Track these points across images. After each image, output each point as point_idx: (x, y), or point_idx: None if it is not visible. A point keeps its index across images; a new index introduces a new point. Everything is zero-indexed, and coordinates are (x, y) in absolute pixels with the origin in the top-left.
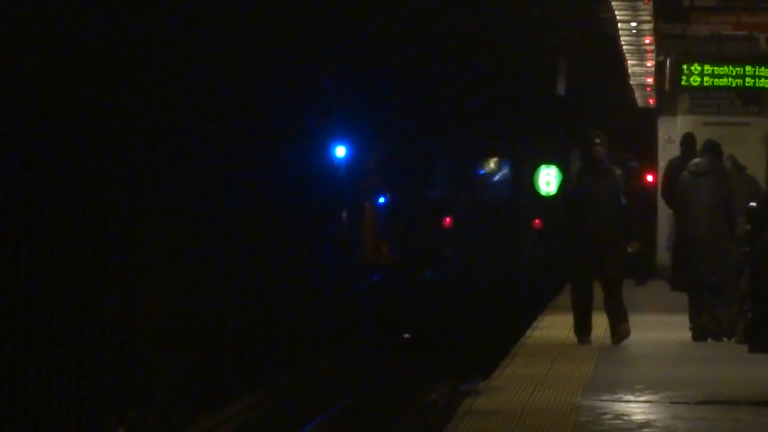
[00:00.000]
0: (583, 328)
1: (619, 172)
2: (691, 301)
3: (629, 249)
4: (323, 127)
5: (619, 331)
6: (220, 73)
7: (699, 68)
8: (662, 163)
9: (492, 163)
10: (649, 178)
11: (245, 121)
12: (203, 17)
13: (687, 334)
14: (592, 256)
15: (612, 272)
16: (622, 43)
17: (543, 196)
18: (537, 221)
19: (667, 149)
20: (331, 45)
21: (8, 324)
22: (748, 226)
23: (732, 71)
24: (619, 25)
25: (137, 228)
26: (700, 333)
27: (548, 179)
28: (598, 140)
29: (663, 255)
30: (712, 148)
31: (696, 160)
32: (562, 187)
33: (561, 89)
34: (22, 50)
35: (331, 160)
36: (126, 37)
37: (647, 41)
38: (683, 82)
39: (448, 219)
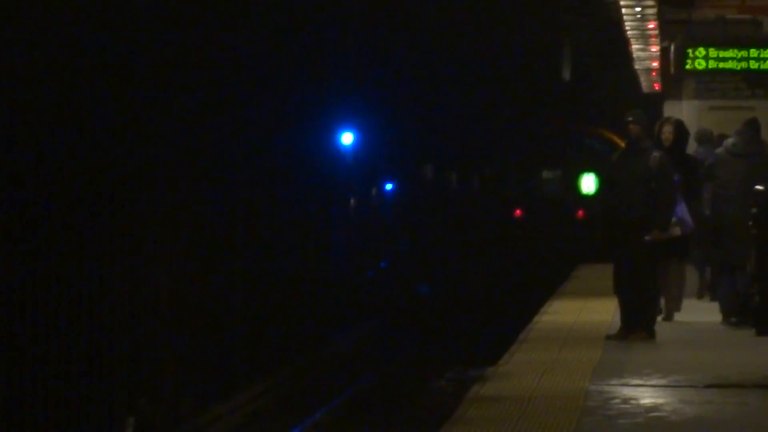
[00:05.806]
0: (621, 314)
1: (656, 154)
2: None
3: (646, 238)
4: (331, 117)
5: (630, 336)
6: (235, 60)
7: (704, 52)
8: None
9: (550, 169)
10: None
11: (253, 107)
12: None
13: (694, 318)
14: (619, 239)
15: (634, 258)
16: (627, 28)
17: (584, 195)
18: (580, 212)
19: None
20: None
21: (15, 315)
22: (755, 209)
23: (737, 54)
24: (623, 10)
25: (144, 216)
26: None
27: (588, 183)
28: (630, 118)
29: None
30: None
31: (732, 140)
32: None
33: (566, 75)
34: (26, 46)
35: (339, 148)
36: (128, 33)
37: (651, 26)
38: (688, 66)
39: (518, 210)
